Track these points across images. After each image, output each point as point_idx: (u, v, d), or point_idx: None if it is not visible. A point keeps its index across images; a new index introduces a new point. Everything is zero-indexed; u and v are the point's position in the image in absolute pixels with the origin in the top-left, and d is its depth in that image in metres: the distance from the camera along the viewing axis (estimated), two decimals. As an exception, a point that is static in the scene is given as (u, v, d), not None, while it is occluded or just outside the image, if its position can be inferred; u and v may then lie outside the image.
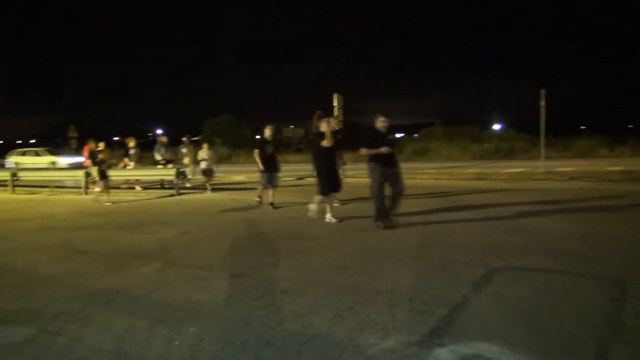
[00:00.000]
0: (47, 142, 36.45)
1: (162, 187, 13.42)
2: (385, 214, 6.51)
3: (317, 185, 7.23)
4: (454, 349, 2.75)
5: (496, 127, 38.48)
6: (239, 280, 4.33)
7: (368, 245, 5.60)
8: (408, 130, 50.56)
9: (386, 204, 6.48)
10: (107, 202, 10.37)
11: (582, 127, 39.70)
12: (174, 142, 15.18)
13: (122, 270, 4.82)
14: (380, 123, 6.57)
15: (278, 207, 8.73)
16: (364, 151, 6.58)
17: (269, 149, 8.87)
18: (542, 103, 14.14)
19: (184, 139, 14.47)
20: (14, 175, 14.26)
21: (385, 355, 2.73)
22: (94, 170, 10.81)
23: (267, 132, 9.04)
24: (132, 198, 11.45)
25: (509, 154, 25.36)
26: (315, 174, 7.46)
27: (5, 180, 14.28)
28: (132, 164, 13.56)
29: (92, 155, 11.10)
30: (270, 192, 8.92)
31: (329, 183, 7.12)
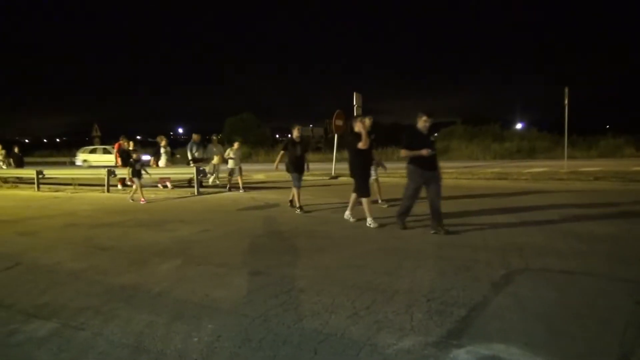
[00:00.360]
0: (76, 142, 36.96)
1: (190, 185, 13.55)
2: (408, 214, 6.39)
3: (357, 188, 6.99)
4: (472, 350, 2.72)
5: (518, 126, 37.93)
6: (257, 278, 4.35)
7: (387, 245, 5.57)
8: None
9: (432, 214, 6.13)
10: (130, 200, 10.54)
11: (607, 126, 38.83)
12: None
13: (142, 267, 4.90)
14: (422, 123, 6.18)
15: (295, 207, 8.74)
16: (403, 152, 6.24)
17: (297, 150, 8.70)
18: (566, 102, 13.88)
19: (213, 137, 14.49)
20: (39, 173, 14.63)
21: (402, 355, 2.71)
22: (127, 170, 10.99)
23: (295, 132, 8.84)
24: (153, 197, 11.61)
25: (531, 154, 24.94)
26: (350, 174, 7.26)
27: (32, 178, 14.69)
28: (163, 161, 13.71)
29: (125, 154, 11.25)
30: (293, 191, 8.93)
31: (366, 184, 6.99)
